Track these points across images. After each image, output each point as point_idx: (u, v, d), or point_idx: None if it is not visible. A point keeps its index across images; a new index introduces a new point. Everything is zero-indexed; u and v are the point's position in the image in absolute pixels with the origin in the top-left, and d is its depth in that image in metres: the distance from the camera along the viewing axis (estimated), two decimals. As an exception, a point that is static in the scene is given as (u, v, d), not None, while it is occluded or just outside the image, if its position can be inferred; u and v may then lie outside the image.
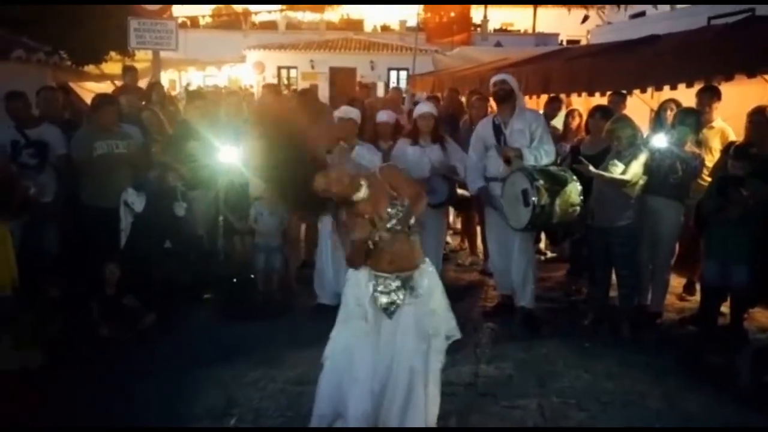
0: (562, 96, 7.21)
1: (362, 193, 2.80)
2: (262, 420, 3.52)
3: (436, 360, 3.03)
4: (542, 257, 6.67)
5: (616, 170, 4.54)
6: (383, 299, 2.91)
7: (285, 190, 2.93)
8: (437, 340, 3.02)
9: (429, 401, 3.01)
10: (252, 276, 5.37)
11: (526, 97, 7.27)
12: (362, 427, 2.89)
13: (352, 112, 5.08)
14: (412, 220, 2.88)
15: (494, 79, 4.92)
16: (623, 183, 4.53)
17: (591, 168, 4.53)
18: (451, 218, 7.42)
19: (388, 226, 2.82)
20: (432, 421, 3.06)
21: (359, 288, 2.95)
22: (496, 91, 4.86)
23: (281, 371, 4.04)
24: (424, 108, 5.20)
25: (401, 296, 2.91)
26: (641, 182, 4.61)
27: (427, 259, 3.07)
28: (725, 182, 4.48)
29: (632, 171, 4.52)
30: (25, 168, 4.86)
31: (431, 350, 2.98)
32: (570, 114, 6.61)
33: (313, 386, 3.17)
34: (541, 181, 4.38)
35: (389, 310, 2.91)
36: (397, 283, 2.91)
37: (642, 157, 4.57)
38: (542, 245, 6.88)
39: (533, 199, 4.34)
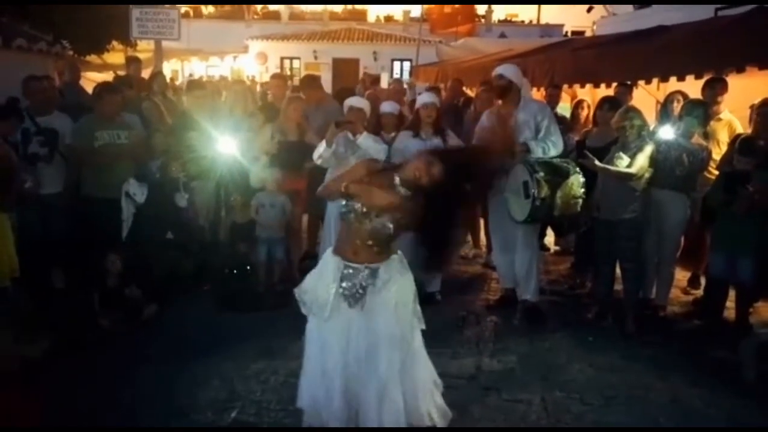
0: (564, 86, 7.15)
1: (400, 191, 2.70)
2: (263, 413, 3.51)
3: (409, 354, 2.90)
4: (546, 252, 6.63)
5: (622, 163, 4.49)
6: (348, 287, 2.81)
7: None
8: (407, 332, 2.89)
9: (423, 391, 2.93)
10: (254, 267, 5.35)
11: (533, 89, 7.22)
12: (342, 425, 2.83)
13: (363, 103, 5.11)
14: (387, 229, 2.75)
15: (493, 74, 4.89)
16: (629, 176, 4.49)
17: (596, 162, 4.49)
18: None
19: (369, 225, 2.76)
20: (434, 410, 2.97)
21: (321, 277, 2.88)
22: (495, 86, 4.85)
23: (283, 363, 4.02)
24: (427, 98, 5.16)
25: (362, 285, 2.80)
26: (647, 175, 4.57)
27: (400, 252, 2.93)
28: (731, 178, 4.44)
29: (638, 164, 4.47)
30: (35, 158, 4.84)
31: (404, 341, 2.87)
32: (578, 105, 6.56)
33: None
34: (542, 173, 4.35)
35: (351, 299, 2.81)
36: (366, 272, 2.81)
37: (648, 150, 4.52)
38: (547, 240, 6.85)
39: (533, 191, 4.31)
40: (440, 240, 2.68)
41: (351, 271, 2.81)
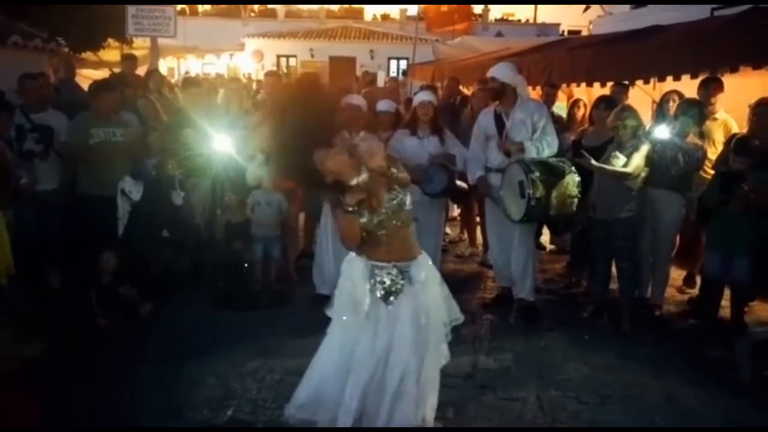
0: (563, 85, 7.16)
1: (362, 177, 2.72)
2: (259, 411, 3.50)
3: (434, 350, 2.97)
4: (542, 251, 6.64)
5: (618, 163, 4.50)
6: (382, 286, 2.86)
7: (288, 158, 2.89)
8: (435, 330, 2.96)
9: (427, 390, 2.97)
10: (250, 266, 5.34)
11: (529, 88, 7.21)
12: (355, 425, 2.85)
13: (359, 100, 5.05)
14: (408, 205, 2.84)
15: (487, 75, 4.89)
16: (625, 176, 4.49)
17: (593, 161, 4.50)
18: (456, 211, 7.41)
19: (385, 210, 2.79)
20: (429, 412, 3.00)
21: (351, 280, 2.90)
22: (489, 89, 4.86)
23: (279, 362, 4.02)
24: (424, 96, 5.15)
25: (401, 283, 2.87)
26: (643, 174, 4.58)
27: (423, 252, 3.03)
28: (727, 177, 4.45)
29: (634, 163, 4.48)
30: (30, 155, 4.82)
31: (428, 340, 2.92)
32: (575, 104, 6.56)
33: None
34: (537, 173, 4.36)
35: (388, 298, 2.86)
36: (395, 272, 2.87)
37: (644, 149, 4.53)
38: (543, 239, 6.86)
39: (528, 191, 4.31)
40: None
41: (379, 269, 2.86)
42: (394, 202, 2.82)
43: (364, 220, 2.77)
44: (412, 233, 2.97)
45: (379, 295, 2.87)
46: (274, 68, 24.45)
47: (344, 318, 2.92)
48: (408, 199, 2.87)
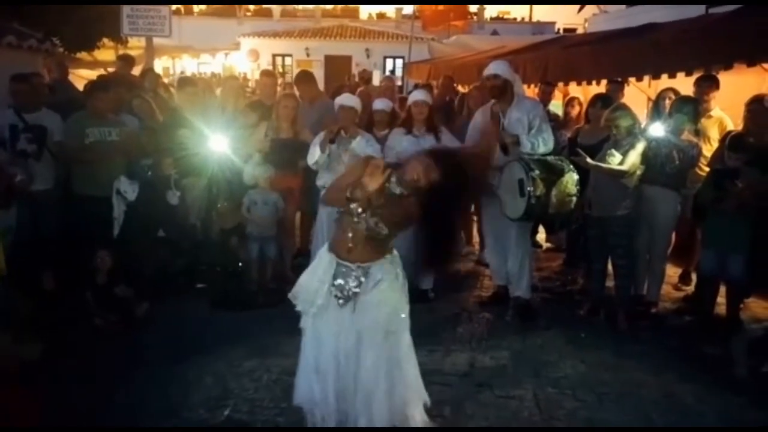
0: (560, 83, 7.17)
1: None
2: (256, 411, 3.50)
3: (399, 350, 2.90)
4: (538, 249, 6.64)
5: (614, 160, 4.51)
6: (337, 284, 2.82)
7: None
8: (393, 335, 2.88)
9: (410, 392, 2.94)
10: (246, 265, 5.33)
11: (524, 86, 7.22)
12: (337, 424, 2.86)
13: (353, 101, 5.00)
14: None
15: (486, 73, 4.82)
16: (621, 173, 4.50)
17: (588, 160, 4.50)
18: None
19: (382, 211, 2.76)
20: (413, 411, 2.96)
21: (313, 273, 2.89)
22: (491, 87, 4.79)
23: (276, 361, 4.01)
24: (418, 95, 5.15)
25: (353, 285, 2.81)
26: (639, 172, 4.58)
27: (394, 251, 2.93)
28: (721, 175, 4.46)
29: (630, 161, 4.49)
30: (23, 155, 4.81)
31: (392, 341, 2.87)
32: (570, 102, 6.57)
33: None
34: (537, 171, 4.36)
35: (342, 299, 2.82)
36: (358, 272, 2.81)
37: (640, 147, 4.54)
38: (539, 237, 6.86)
39: (528, 189, 4.31)
40: (440, 239, 2.71)
41: (344, 269, 2.82)
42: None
43: (347, 216, 2.74)
44: (386, 238, 2.84)
45: (335, 295, 2.82)
46: (270, 67, 24.45)
47: (297, 308, 2.90)
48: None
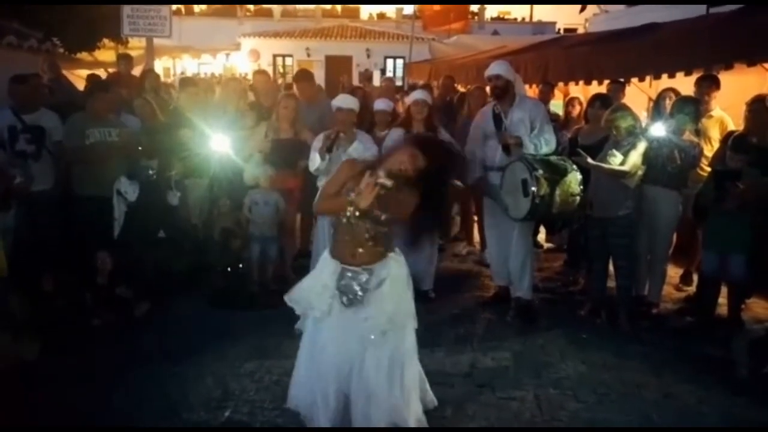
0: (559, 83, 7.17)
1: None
2: (257, 412, 3.49)
3: (402, 351, 2.91)
4: (539, 250, 6.63)
5: (615, 161, 4.50)
6: (343, 284, 2.84)
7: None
8: (395, 333, 2.89)
9: (412, 394, 2.95)
10: (247, 266, 5.33)
11: (526, 86, 7.22)
12: (335, 426, 2.86)
13: (351, 102, 4.95)
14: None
15: (488, 73, 4.83)
16: (622, 174, 4.49)
17: (589, 159, 4.50)
18: (454, 210, 7.39)
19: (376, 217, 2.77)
20: (414, 414, 2.97)
21: (317, 278, 2.90)
22: (493, 87, 4.80)
23: (277, 362, 4.01)
24: (418, 95, 5.14)
25: (357, 288, 2.83)
26: (640, 172, 4.58)
27: (398, 250, 2.95)
28: (722, 175, 4.45)
29: (631, 161, 4.48)
30: (22, 156, 4.80)
31: (396, 341, 2.88)
32: (570, 102, 6.56)
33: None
34: (541, 171, 4.35)
35: (347, 301, 2.84)
36: (365, 275, 2.83)
37: (640, 147, 4.53)
38: (539, 237, 6.85)
39: (533, 189, 4.30)
40: (439, 214, 2.92)
41: (350, 274, 2.83)
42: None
43: (345, 220, 2.75)
44: (387, 237, 2.88)
45: (341, 297, 2.84)
46: (270, 68, 24.47)
47: (306, 317, 2.92)
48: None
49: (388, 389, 2.84)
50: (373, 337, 2.81)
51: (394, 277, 2.86)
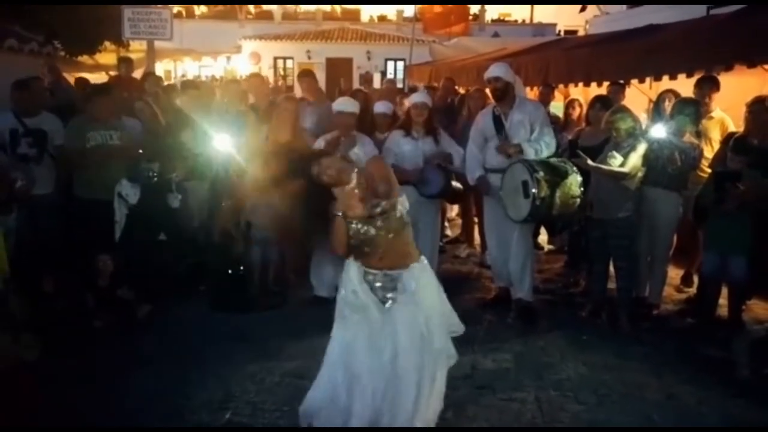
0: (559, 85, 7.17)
1: (352, 184, 2.87)
2: (258, 413, 3.49)
3: (434, 360, 2.98)
4: (540, 251, 6.63)
5: (615, 162, 4.50)
6: (377, 291, 2.92)
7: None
8: (436, 339, 2.97)
9: (431, 399, 3.00)
10: (248, 268, 5.32)
11: (526, 88, 7.23)
12: (364, 426, 2.89)
13: (351, 105, 4.95)
14: (399, 213, 2.86)
15: (488, 75, 4.83)
16: (622, 175, 4.50)
17: (589, 161, 4.50)
18: (454, 211, 7.41)
19: (376, 222, 2.83)
20: (431, 419, 3.05)
21: (352, 282, 2.95)
22: (492, 90, 4.81)
23: (278, 364, 4.02)
24: (418, 98, 5.15)
25: (392, 293, 2.91)
26: (640, 174, 4.58)
27: (422, 258, 3.04)
28: (723, 177, 4.45)
29: (631, 163, 4.48)
30: (24, 159, 4.81)
31: (429, 350, 2.94)
32: (570, 104, 6.57)
33: (310, 380, 3.16)
34: (542, 173, 4.35)
35: (384, 301, 2.91)
36: (386, 279, 2.91)
37: (641, 149, 4.53)
38: (540, 239, 6.86)
39: (533, 190, 4.31)
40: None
41: (371, 277, 2.91)
42: (381, 209, 2.83)
43: (354, 226, 2.83)
44: (408, 241, 2.98)
45: (376, 296, 2.89)
46: (271, 71, 24.51)
47: (349, 318, 2.96)
48: (400, 206, 2.87)
49: (415, 398, 2.90)
50: (410, 347, 2.88)
51: (423, 286, 2.95)
